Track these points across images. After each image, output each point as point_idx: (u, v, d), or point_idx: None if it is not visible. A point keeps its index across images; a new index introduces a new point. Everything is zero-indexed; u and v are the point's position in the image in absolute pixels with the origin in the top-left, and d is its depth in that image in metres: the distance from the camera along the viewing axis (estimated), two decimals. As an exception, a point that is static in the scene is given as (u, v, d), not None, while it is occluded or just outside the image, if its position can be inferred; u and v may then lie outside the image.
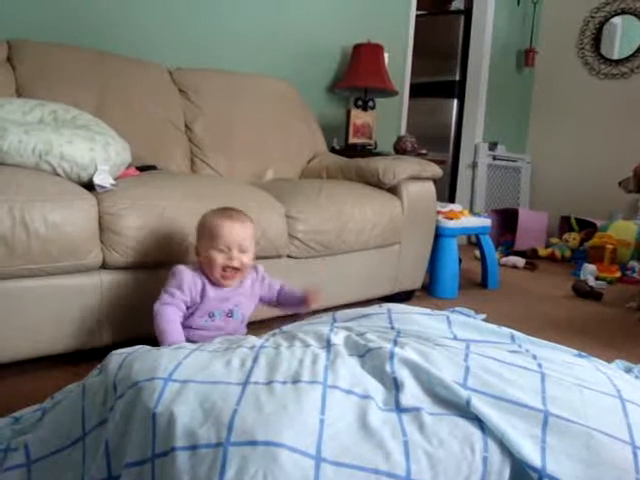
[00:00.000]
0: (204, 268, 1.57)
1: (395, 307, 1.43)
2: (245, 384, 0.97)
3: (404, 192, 2.55)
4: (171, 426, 0.90)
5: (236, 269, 1.56)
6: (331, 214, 2.23)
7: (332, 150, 3.37)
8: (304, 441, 0.85)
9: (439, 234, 2.85)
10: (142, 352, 1.13)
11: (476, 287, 3.22)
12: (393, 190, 2.56)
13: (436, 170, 2.69)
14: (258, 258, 1.83)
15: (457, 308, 2.40)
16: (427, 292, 2.92)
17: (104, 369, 1.15)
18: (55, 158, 1.69)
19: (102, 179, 1.75)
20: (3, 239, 1.48)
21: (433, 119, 5.10)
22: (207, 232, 1.56)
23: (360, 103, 3.64)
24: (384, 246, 2.49)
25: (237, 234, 1.55)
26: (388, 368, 1.01)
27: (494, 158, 4.96)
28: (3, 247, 1.48)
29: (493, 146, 4.96)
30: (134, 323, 1.77)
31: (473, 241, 4.66)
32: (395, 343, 1.09)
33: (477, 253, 3.98)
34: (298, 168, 2.97)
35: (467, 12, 4.98)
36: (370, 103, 3.66)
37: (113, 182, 1.77)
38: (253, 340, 1.15)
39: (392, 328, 1.26)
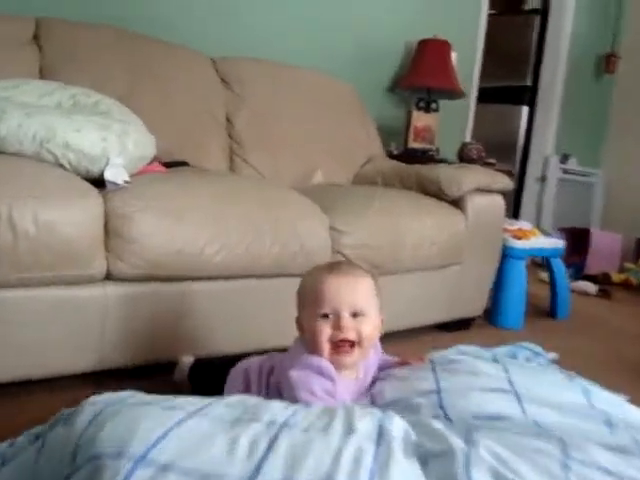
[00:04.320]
0: (308, 346, 1.15)
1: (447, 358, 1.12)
2: (250, 483, 0.67)
3: (469, 206, 2.21)
4: None
5: (350, 343, 1.11)
6: (385, 227, 1.92)
7: (390, 155, 3.05)
8: None
9: (505, 255, 2.50)
10: (122, 407, 0.85)
11: (543, 316, 2.84)
12: (457, 203, 2.22)
13: (507, 182, 2.35)
14: (292, 276, 1.54)
15: (524, 343, 2.06)
16: (488, 320, 2.56)
17: (71, 421, 0.87)
18: (58, 147, 1.43)
19: (114, 174, 1.48)
20: (-17, 240, 1.23)
21: (499, 127, 4.72)
22: (308, 295, 1.16)
23: (422, 104, 3.32)
24: (443, 267, 2.16)
25: (347, 293, 1.12)
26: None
27: (565, 172, 4.54)
28: (-18, 250, 1.23)
29: (564, 159, 4.54)
30: (145, 346, 1.50)
31: (537, 261, 4.25)
32: (469, 441, 0.76)
33: (543, 276, 3.59)
34: (350, 172, 2.66)
35: (543, 12, 4.58)
36: (433, 105, 3.33)
37: (127, 179, 1.50)
38: (277, 409, 0.85)
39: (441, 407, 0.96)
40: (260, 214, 1.63)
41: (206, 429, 0.75)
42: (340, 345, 1.11)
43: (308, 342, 1.14)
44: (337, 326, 1.10)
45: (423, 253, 2.03)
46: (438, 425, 0.81)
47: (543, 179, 4.47)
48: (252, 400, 0.89)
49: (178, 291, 1.52)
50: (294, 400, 1.01)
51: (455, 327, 2.35)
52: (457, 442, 0.74)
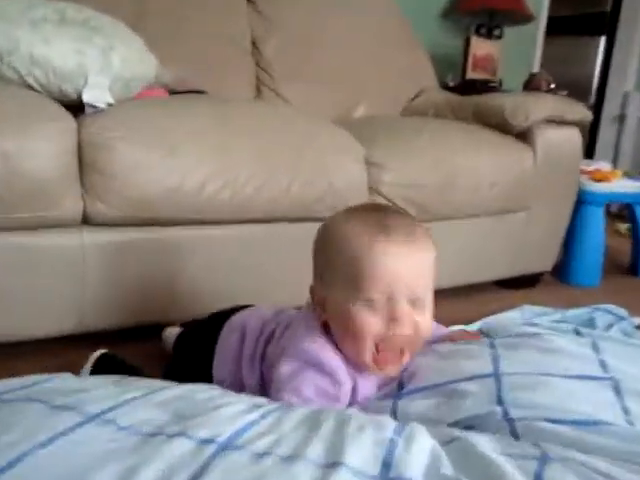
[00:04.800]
0: (337, 340, 0.82)
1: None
2: None
3: (539, 140, 1.84)
4: None
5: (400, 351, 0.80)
6: (433, 163, 1.58)
7: (445, 87, 2.68)
8: None
9: (581, 200, 2.11)
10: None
11: (623, 273, 2.45)
12: (523, 136, 1.85)
13: (585, 113, 1.95)
14: (317, 220, 1.23)
15: (603, 306, 1.71)
16: (558, 277, 2.20)
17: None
18: (22, 61, 1.16)
19: (94, 96, 1.20)
20: None
21: (572, 61, 4.22)
22: (343, 266, 0.79)
23: (483, 30, 2.90)
24: (505, 212, 1.81)
25: (408, 270, 0.77)
26: None
27: (647, 110, 4.03)
28: None
29: (647, 95, 4.02)
30: (132, 305, 1.24)
31: (613, 211, 3.80)
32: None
33: (621, 227, 3.17)
34: (399, 105, 2.30)
35: None
36: (496, 31, 2.91)
37: (111, 101, 1.22)
38: (232, 414, 0.56)
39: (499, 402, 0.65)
40: (276, 145, 1.33)
41: (95, 449, 0.47)
42: (387, 350, 0.78)
43: (337, 333, 0.81)
44: (391, 317, 0.76)
45: (481, 195, 1.68)
46: (491, 452, 0.51)
47: (622, 118, 3.97)
48: (204, 395, 0.61)
49: (172, 239, 1.24)
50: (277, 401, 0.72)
51: (519, 285, 2.01)
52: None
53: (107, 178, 1.13)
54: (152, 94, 1.46)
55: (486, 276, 1.88)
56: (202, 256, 1.28)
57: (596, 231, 2.17)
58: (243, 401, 0.60)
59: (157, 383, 0.70)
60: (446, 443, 0.54)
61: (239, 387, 0.90)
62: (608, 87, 4.08)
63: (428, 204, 1.57)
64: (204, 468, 0.47)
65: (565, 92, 2.78)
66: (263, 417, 0.56)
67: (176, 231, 1.25)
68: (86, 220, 1.16)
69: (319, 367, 0.78)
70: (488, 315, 1.57)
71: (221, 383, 0.84)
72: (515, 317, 1.60)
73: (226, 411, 0.56)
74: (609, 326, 1.57)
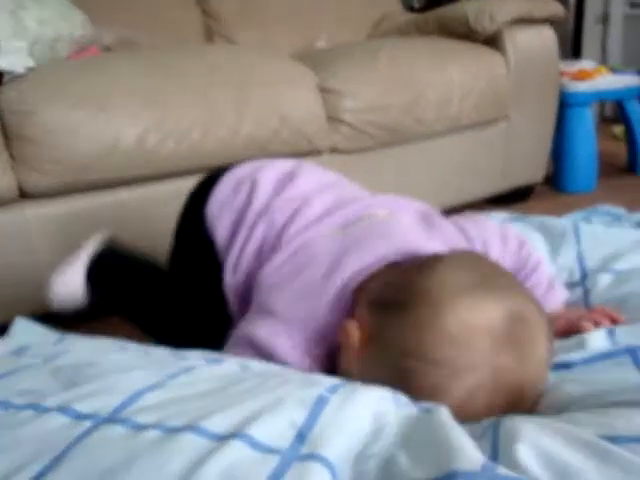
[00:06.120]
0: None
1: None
2: None
3: (508, 43, 1.72)
4: None
5: None
6: (395, 81, 1.48)
7: (410, 10, 2.54)
8: None
9: (565, 103, 2.00)
10: None
11: (620, 174, 2.35)
12: (492, 42, 1.73)
13: (555, 8, 1.83)
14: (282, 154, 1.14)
15: (600, 207, 1.62)
16: (553, 186, 2.11)
17: None
18: None
19: (11, 62, 1.11)
20: None
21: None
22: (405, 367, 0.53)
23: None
24: (483, 124, 1.71)
25: None
26: None
27: (632, 5, 3.85)
28: None
29: (630, -10, 3.85)
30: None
31: (609, 115, 3.66)
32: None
33: (616, 131, 3.04)
34: (361, 34, 2.18)
35: None
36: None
37: (31, 64, 1.13)
38: (124, 384, 0.49)
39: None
40: (217, 84, 1.23)
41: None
42: None
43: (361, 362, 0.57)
44: None
45: (454, 108, 1.58)
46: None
47: (605, 19, 3.80)
48: (114, 357, 0.53)
49: (123, 201, 1.17)
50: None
51: (513, 200, 1.93)
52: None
53: (36, 145, 1.05)
54: (85, 55, 1.37)
55: (475, 194, 1.80)
56: (156, 216, 1.20)
57: (586, 133, 2.06)
58: (155, 362, 0.53)
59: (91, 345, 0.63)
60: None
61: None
62: (587, -15, 3.90)
63: (397, 125, 1.48)
64: (69, 448, 0.40)
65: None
66: (172, 377, 0.49)
67: (125, 192, 1.17)
68: (24, 193, 1.08)
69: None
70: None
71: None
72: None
73: (128, 377, 0.49)
74: (607, 226, 1.49)
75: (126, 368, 0.50)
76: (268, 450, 0.40)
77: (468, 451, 0.39)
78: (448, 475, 0.37)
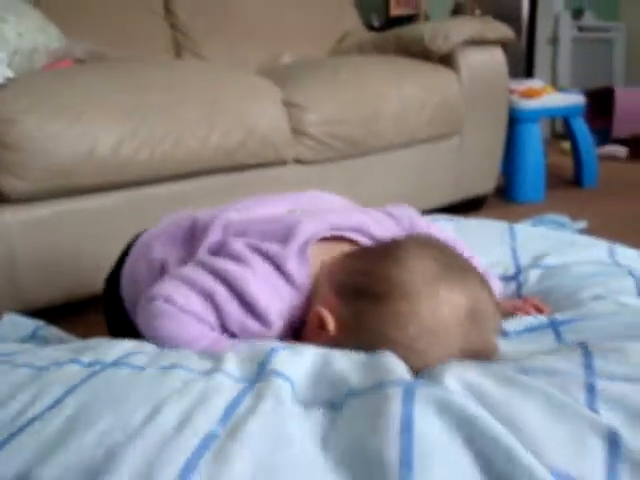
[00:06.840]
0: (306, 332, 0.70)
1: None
2: None
3: (462, 62, 1.85)
4: None
5: None
6: (354, 96, 1.58)
7: (370, 28, 2.65)
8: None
9: (515, 118, 2.14)
10: None
11: (568, 186, 2.49)
12: (446, 61, 1.85)
13: (505, 31, 1.96)
14: (248, 168, 1.23)
15: (546, 216, 1.75)
16: (504, 196, 2.23)
17: None
18: None
19: (-9, 71, 1.17)
20: None
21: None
22: (370, 326, 0.62)
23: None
24: (438, 138, 1.82)
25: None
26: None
27: (580, 29, 4.05)
28: None
29: (578, 14, 4.04)
30: (69, 279, 1.22)
31: (559, 132, 3.85)
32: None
33: (565, 146, 3.20)
34: (324, 50, 2.28)
35: None
36: (416, -36, 2.89)
37: (10, 75, 1.19)
38: (116, 347, 0.61)
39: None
40: (189, 98, 1.31)
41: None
42: None
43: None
44: None
45: (410, 123, 1.69)
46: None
47: (555, 41, 3.99)
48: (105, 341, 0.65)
49: (101, 206, 1.23)
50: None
51: (465, 210, 2.03)
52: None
53: (15, 152, 1.11)
54: (58, 66, 1.43)
55: (429, 204, 1.89)
56: (134, 220, 1.26)
57: (534, 147, 2.20)
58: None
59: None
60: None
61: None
62: (539, 8, 4.08)
63: (356, 138, 1.57)
64: (83, 381, 0.50)
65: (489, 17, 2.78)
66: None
67: (103, 198, 1.23)
68: (4, 198, 1.14)
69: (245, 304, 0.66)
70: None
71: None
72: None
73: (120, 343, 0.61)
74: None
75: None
76: (238, 378, 0.52)
77: (400, 371, 0.51)
78: (380, 383, 0.49)
